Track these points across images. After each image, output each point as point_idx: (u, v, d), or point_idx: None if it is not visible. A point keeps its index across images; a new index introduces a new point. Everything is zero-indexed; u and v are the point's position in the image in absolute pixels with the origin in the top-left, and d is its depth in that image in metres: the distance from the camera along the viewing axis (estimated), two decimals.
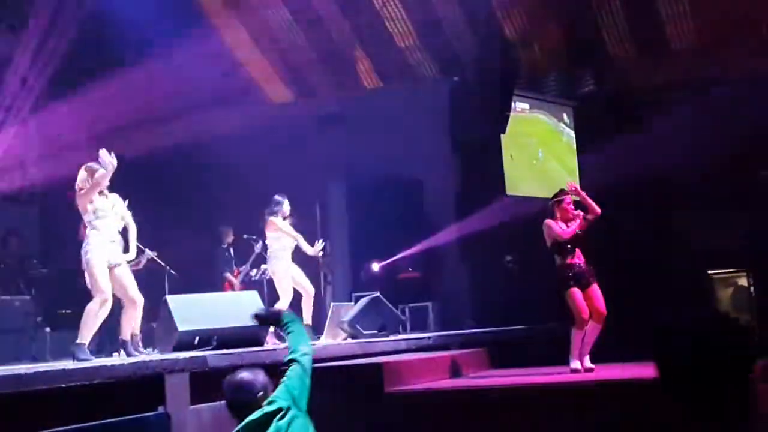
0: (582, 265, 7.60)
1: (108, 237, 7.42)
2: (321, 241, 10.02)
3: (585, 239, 7.68)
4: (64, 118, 12.76)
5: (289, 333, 4.66)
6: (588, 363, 7.55)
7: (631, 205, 13.37)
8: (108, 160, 7.34)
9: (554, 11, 13.94)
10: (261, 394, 4.27)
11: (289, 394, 4.27)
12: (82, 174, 7.47)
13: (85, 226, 7.52)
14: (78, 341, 7.14)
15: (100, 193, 7.46)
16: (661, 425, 5.79)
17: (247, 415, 4.18)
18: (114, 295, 7.43)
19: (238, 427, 4.16)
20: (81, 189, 7.42)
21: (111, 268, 7.35)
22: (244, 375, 4.34)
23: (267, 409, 4.17)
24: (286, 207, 9.61)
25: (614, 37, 14.10)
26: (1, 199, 11.91)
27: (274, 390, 4.35)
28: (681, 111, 13.43)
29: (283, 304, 9.35)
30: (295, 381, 4.35)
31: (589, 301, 7.53)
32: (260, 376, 4.36)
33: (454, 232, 13.53)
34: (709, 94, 13.19)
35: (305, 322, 9.39)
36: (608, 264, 8.01)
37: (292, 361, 4.49)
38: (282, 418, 4.15)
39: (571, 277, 7.54)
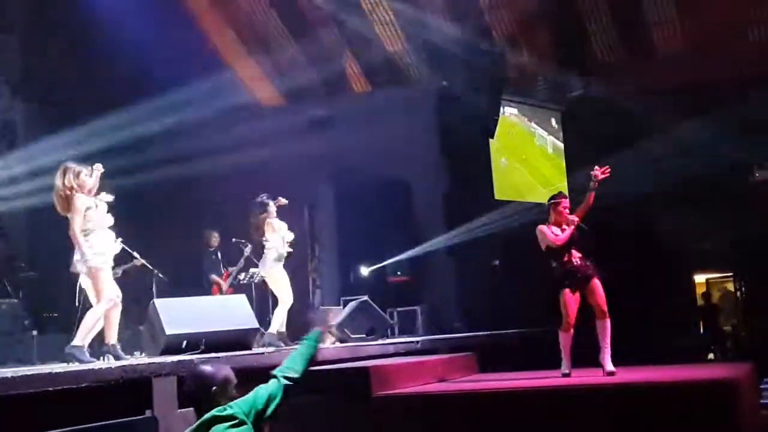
0: (578, 262, 7.47)
1: (108, 239, 7.35)
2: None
3: (580, 239, 7.53)
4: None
5: (300, 347, 4.54)
6: (609, 366, 7.29)
7: (619, 208, 13.41)
8: (95, 175, 7.34)
9: (542, 16, 13.98)
10: (215, 389, 4.16)
11: (249, 406, 4.15)
12: (67, 175, 7.21)
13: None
14: (76, 344, 7.02)
15: (96, 193, 7.37)
16: (645, 429, 5.83)
17: (204, 410, 4.10)
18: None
19: (192, 426, 4.08)
20: (72, 189, 7.24)
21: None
22: (206, 367, 4.28)
23: (217, 412, 4.07)
24: (273, 208, 9.55)
25: (602, 41, 14.17)
26: None
27: (237, 391, 4.25)
28: (668, 114, 13.49)
29: (284, 309, 9.22)
30: (264, 397, 4.23)
31: (590, 297, 7.40)
32: (222, 371, 4.25)
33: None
34: (697, 97, 13.26)
35: (280, 329, 9.27)
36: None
37: (275, 376, 4.36)
38: (230, 427, 4.03)
39: (565, 276, 7.42)
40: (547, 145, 14.79)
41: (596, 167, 7.59)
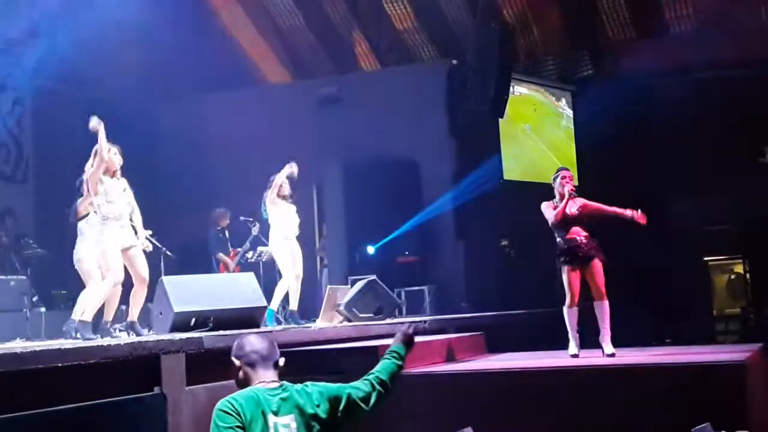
0: (581, 240, 7.44)
1: (118, 219, 7.34)
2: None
3: (584, 216, 7.54)
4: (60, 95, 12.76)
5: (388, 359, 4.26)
6: (609, 348, 7.29)
7: (627, 190, 13.36)
8: (93, 124, 7.24)
9: None
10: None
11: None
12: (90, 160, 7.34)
13: (83, 207, 7.42)
14: (81, 319, 7.05)
15: (113, 174, 7.36)
16: (654, 410, 5.81)
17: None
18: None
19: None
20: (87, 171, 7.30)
21: (124, 251, 7.31)
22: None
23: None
24: (276, 185, 9.57)
25: (614, 20, 14.06)
26: None
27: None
28: (679, 95, 13.41)
29: (283, 284, 9.31)
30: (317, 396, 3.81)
31: (589, 277, 7.40)
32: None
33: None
34: (708, 77, 13.17)
35: (291, 308, 9.37)
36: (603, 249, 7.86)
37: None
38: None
39: (565, 252, 7.42)
40: (557, 126, 14.72)
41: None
